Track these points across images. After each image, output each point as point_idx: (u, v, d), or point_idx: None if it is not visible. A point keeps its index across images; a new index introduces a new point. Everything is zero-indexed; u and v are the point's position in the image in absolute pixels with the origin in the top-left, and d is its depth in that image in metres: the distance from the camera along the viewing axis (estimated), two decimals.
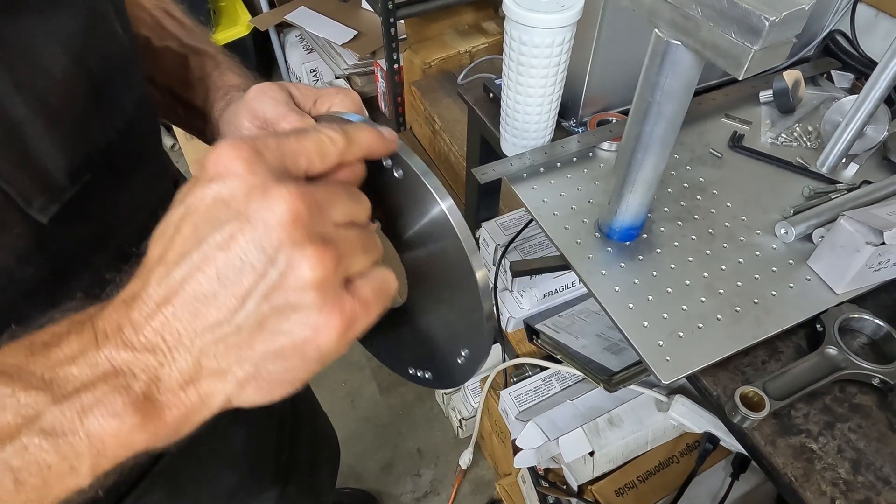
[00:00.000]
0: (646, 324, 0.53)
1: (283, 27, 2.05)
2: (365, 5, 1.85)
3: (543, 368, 0.98)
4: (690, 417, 0.79)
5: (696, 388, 0.54)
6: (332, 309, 0.22)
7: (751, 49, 0.38)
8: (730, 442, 0.79)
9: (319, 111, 0.33)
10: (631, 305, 0.55)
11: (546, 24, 0.56)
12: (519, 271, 0.85)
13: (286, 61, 2.09)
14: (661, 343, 0.52)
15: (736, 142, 0.70)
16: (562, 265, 0.85)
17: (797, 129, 0.72)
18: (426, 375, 0.39)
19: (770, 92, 0.75)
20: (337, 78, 1.95)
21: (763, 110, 0.75)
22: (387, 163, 0.31)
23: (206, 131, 0.41)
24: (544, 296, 1.00)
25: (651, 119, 0.49)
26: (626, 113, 0.73)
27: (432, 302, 0.36)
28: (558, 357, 0.95)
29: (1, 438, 0.20)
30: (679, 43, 0.43)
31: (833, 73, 0.80)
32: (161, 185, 0.37)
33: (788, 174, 0.68)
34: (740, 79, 0.39)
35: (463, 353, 0.35)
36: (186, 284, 0.21)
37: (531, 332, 1.00)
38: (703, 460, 0.81)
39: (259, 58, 2.10)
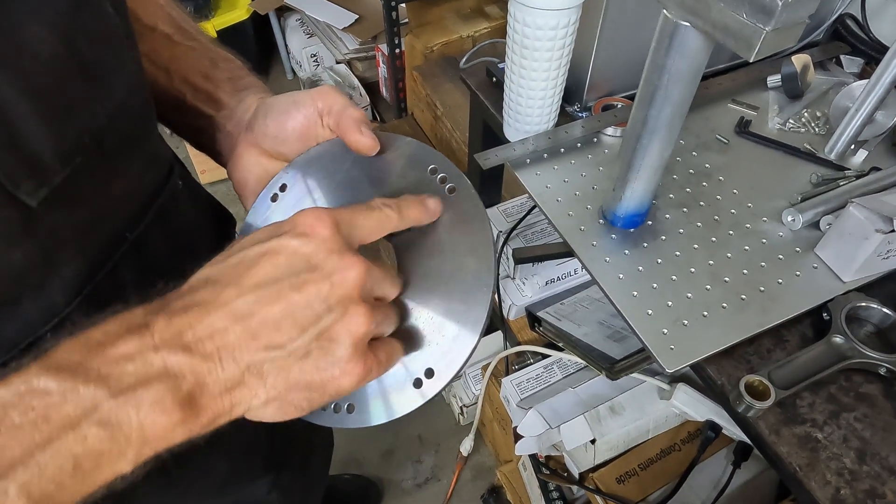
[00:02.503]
0: (650, 311, 0.53)
1: (283, 11, 2.03)
2: None
3: (545, 356, 0.98)
4: (693, 405, 0.79)
5: (701, 377, 0.53)
6: (358, 360, 0.27)
7: (762, 30, 0.37)
8: (732, 430, 0.79)
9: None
10: (635, 293, 0.54)
11: (551, 5, 0.55)
12: (522, 258, 0.84)
13: (286, 46, 2.07)
14: (666, 331, 0.51)
15: (743, 127, 0.69)
16: (565, 252, 0.85)
17: (805, 114, 0.71)
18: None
19: (778, 77, 0.74)
20: (338, 63, 1.93)
21: (771, 95, 0.74)
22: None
23: (209, 128, 0.40)
24: (546, 283, 0.99)
25: (657, 103, 0.48)
26: (631, 98, 0.71)
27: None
28: (560, 345, 0.94)
29: (64, 427, 0.22)
30: (688, 24, 0.42)
31: (842, 57, 0.79)
32: (155, 170, 0.36)
33: (796, 160, 0.67)
34: (751, 61, 0.38)
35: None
36: (257, 310, 0.25)
37: (533, 319, 1.00)
38: (704, 448, 0.81)
39: (259, 42, 2.08)
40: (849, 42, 0.79)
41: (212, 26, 1.84)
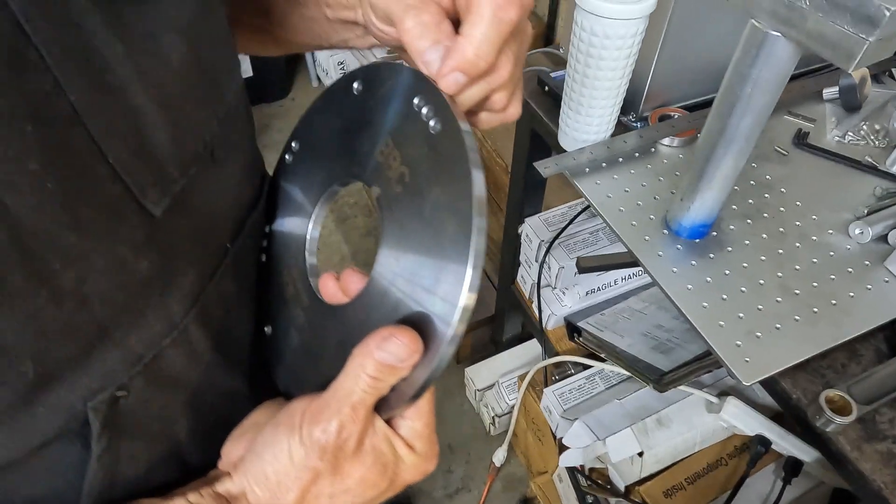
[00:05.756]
0: (722, 323, 0.52)
1: None
2: None
3: (585, 367, 0.97)
4: (742, 420, 0.78)
5: (773, 391, 0.52)
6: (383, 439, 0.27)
7: (865, 40, 0.36)
8: (783, 445, 0.77)
9: None
10: (705, 304, 0.54)
11: (621, 14, 0.55)
12: (586, 268, 0.83)
13: (313, 53, 2.09)
14: (739, 343, 0.51)
15: (801, 139, 0.69)
16: (630, 262, 0.84)
17: (864, 127, 0.70)
18: None
19: (834, 89, 0.73)
20: None
21: (827, 108, 0.74)
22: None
23: (359, 22, 0.34)
24: (587, 293, 0.99)
25: (738, 112, 0.47)
26: (687, 108, 0.71)
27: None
28: (602, 355, 0.94)
29: None
30: (778, 34, 0.42)
31: (894, 70, 0.78)
32: (252, 179, 0.36)
33: (857, 173, 0.66)
34: (850, 71, 0.38)
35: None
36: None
37: (572, 329, 0.99)
38: (754, 463, 0.80)
39: None
40: None
41: None
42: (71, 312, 0.22)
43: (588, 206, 0.98)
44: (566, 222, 0.97)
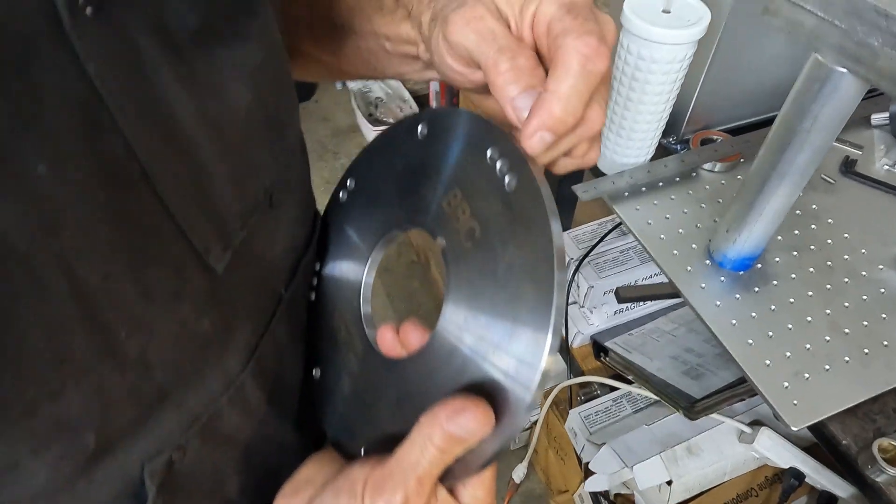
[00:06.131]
0: (768, 362, 0.50)
1: None
2: None
3: (612, 388, 0.95)
4: (776, 451, 0.75)
5: (820, 435, 0.50)
6: None
7: None
8: (817, 480, 0.75)
9: (525, 19, 0.26)
10: (751, 341, 0.52)
11: (670, 39, 0.53)
12: (626, 297, 0.82)
13: None
14: (787, 385, 0.49)
15: (849, 167, 0.67)
16: (671, 293, 0.82)
17: None
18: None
19: (884, 115, 0.71)
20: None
21: (875, 134, 0.71)
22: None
23: (420, 58, 0.33)
24: (615, 312, 0.97)
25: (795, 147, 0.46)
26: (730, 131, 0.69)
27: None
28: (629, 378, 0.92)
29: None
30: (845, 70, 0.40)
31: None
32: (305, 219, 0.34)
33: None
34: None
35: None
36: None
37: (599, 349, 0.98)
38: (787, 496, 0.78)
39: None
40: None
41: None
42: (133, 380, 0.21)
43: (619, 224, 0.96)
44: (596, 240, 0.95)
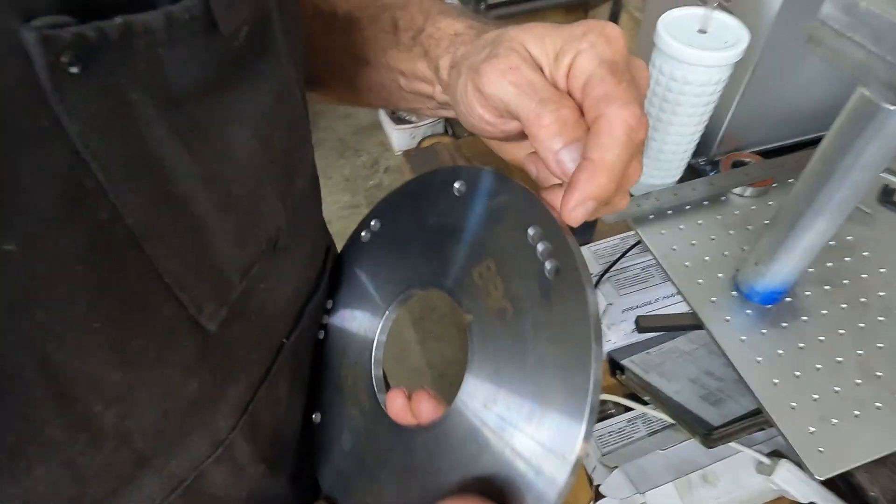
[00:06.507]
0: (793, 405, 0.48)
1: None
2: (452, 1, 1.81)
3: (627, 408, 0.93)
4: (796, 485, 0.73)
5: (846, 482, 0.48)
6: None
7: None
8: None
9: (560, 68, 0.25)
10: (776, 381, 0.50)
11: (706, 61, 0.51)
12: (646, 327, 0.79)
13: None
14: (813, 430, 0.47)
15: (888, 197, 0.64)
16: (694, 325, 0.79)
17: None
18: None
19: None
20: None
21: None
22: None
23: (435, 98, 0.33)
24: (633, 330, 0.95)
25: (834, 184, 0.43)
26: (763, 153, 0.67)
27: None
28: (646, 399, 0.90)
29: None
30: (893, 107, 0.38)
31: None
32: (315, 261, 0.32)
33: None
34: None
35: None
36: None
37: (615, 366, 0.95)
38: None
39: None
40: None
41: None
42: (110, 452, 0.20)
43: (641, 241, 0.94)
44: (617, 255, 0.93)
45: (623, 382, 0.92)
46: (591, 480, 0.92)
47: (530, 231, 0.24)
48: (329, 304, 0.35)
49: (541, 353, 0.23)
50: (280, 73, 0.22)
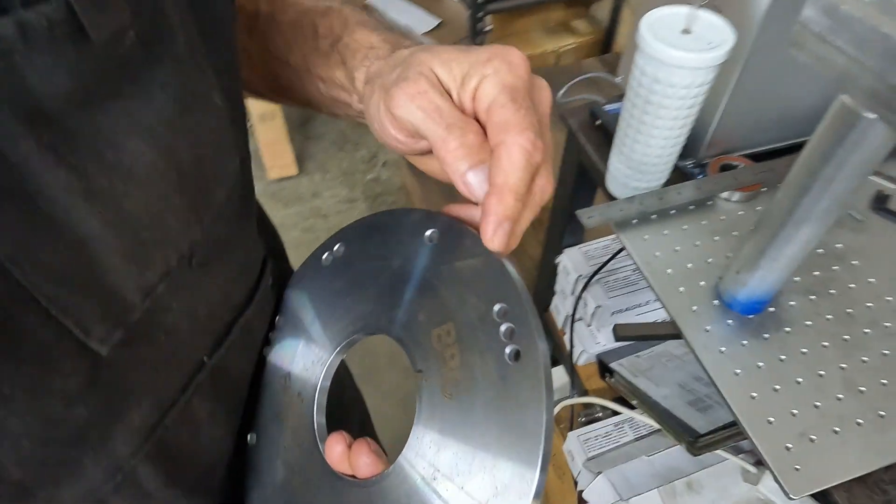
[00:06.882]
0: (771, 419, 0.47)
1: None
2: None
3: (615, 412, 0.92)
4: (783, 495, 0.71)
5: (825, 502, 0.47)
6: None
7: None
8: None
9: (466, 92, 0.26)
10: (754, 395, 0.48)
11: (689, 63, 0.49)
12: (624, 336, 0.78)
13: None
14: (790, 446, 0.45)
15: (880, 203, 0.62)
16: (673, 334, 0.78)
17: None
18: None
19: None
20: None
21: None
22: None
23: (353, 107, 0.33)
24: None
25: (814, 193, 0.42)
26: (753, 156, 0.65)
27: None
28: (634, 403, 0.89)
29: None
30: (875, 117, 0.36)
31: None
32: (246, 277, 0.31)
33: None
34: None
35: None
36: None
37: (604, 369, 0.94)
38: None
39: None
40: None
41: None
42: None
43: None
44: (608, 256, 0.91)
45: (612, 385, 0.91)
46: (576, 484, 0.91)
47: (496, 307, 0.24)
48: (279, 320, 0.33)
49: (488, 439, 0.23)
50: (184, 80, 0.21)
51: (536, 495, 0.21)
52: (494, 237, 0.24)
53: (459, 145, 0.24)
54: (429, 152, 0.28)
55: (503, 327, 0.23)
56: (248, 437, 0.32)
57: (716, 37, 0.50)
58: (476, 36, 1.54)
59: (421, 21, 1.77)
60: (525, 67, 0.26)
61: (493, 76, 0.25)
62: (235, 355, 0.30)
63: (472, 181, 0.25)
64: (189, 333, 0.26)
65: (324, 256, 0.33)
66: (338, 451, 0.27)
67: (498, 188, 0.24)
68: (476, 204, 0.26)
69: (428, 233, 0.27)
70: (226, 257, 0.27)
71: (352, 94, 0.32)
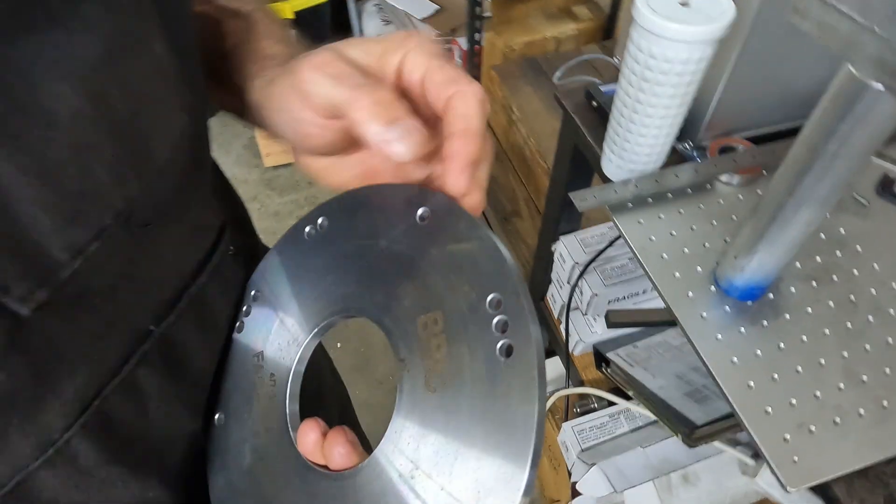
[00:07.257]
0: (769, 409, 0.45)
1: None
2: None
3: (611, 403, 0.90)
4: (780, 488, 0.70)
5: (823, 493, 0.45)
6: None
7: None
8: None
9: (389, 65, 0.26)
10: (751, 384, 0.46)
11: (686, 36, 0.47)
12: (617, 322, 0.76)
13: (361, 31, 2.03)
14: (788, 437, 0.43)
15: (886, 188, 0.59)
16: (667, 321, 0.76)
17: None
18: None
19: None
20: None
21: None
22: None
23: (244, 112, 0.32)
24: None
25: (816, 172, 0.39)
26: (754, 140, 0.62)
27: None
28: (630, 393, 0.87)
29: None
30: (882, 87, 0.34)
31: None
32: (198, 241, 0.29)
33: None
34: None
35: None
36: None
37: (600, 359, 0.92)
38: None
39: (334, 26, 2.04)
40: None
41: (290, 7, 1.82)
42: None
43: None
44: (604, 244, 0.89)
45: (608, 376, 0.89)
46: (570, 475, 0.89)
47: (489, 297, 0.22)
48: (253, 293, 0.32)
49: (473, 436, 0.21)
50: (117, 22, 0.19)
51: (524, 497, 0.19)
52: (461, 177, 0.24)
53: (371, 102, 0.24)
54: (342, 146, 0.28)
55: (496, 319, 0.22)
56: (216, 416, 0.30)
57: (715, 10, 0.48)
58: (474, 22, 1.51)
59: (420, 7, 1.74)
60: (440, 51, 0.26)
61: (418, 48, 0.25)
62: (190, 328, 0.28)
63: (390, 137, 0.24)
64: (130, 299, 0.24)
65: (306, 230, 0.31)
66: (311, 440, 0.25)
67: (461, 132, 0.24)
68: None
69: (420, 211, 0.26)
70: (172, 220, 0.26)
71: (243, 97, 0.31)
